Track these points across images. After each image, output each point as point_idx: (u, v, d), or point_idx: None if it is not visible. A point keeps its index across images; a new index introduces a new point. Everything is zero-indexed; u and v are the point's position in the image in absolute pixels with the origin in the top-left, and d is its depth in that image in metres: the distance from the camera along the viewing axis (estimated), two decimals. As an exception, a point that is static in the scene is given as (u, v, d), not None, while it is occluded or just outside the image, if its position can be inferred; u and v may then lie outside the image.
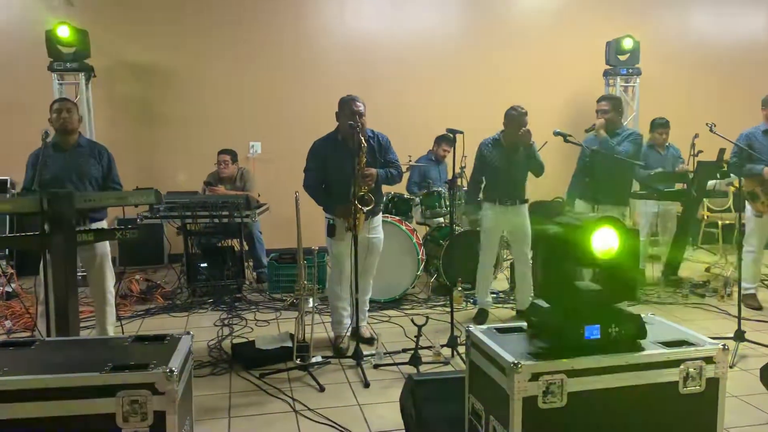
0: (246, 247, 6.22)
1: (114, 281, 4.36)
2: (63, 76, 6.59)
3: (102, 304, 4.27)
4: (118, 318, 4.50)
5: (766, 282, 5.92)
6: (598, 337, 2.26)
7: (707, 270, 6.62)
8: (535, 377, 2.15)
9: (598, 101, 5.19)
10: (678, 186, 6.01)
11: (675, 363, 2.27)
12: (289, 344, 4.10)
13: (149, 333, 2.55)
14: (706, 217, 7.75)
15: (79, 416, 2.03)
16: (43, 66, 6.41)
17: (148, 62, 7.30)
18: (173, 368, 2.10)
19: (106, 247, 4.23)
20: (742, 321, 4.17)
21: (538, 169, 4.80)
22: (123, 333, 4.31)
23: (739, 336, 4.10)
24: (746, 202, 5.18)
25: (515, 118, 4.69)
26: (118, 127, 7.13)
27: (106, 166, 4.23)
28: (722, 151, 5.41)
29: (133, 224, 5.33)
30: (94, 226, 4.08)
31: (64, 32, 6.28)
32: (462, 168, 5.75)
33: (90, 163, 4.16)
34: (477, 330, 2.51)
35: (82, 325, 3.93)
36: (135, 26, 7.18)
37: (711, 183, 5.93)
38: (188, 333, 2.48)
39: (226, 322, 5.02)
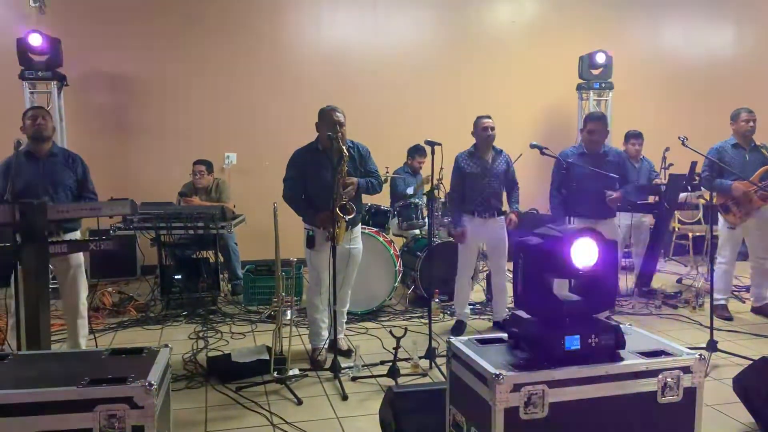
0: (221, 259, 6.16)
1: (87, 293, 4.27)
2: (35, 85, 6.48)
3: (74, 317, 4.19)
4: (91, 331, 4.40)
5: (736, 293, 6.02)
6: (579, 347, 2.28)
7: (679, 281, 6.73)
8: (516, 388, 2.16)
9: (593, 120, 4.83)
10: (651, 199, 6.13)
11: (653, 373, 2.30)
12: (266, 357, 4.06)
13: (124, 346, 2.50)
14: (677, 229, 7.89)
15: (55, 432, 1.98)
16: (14, 74, 6.30)
17: (121, 72, 7.22)
18: (152, 381, 2.06)
19: (80, 259, 4.15)
20: (714, 331, 4.25)
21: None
22: (96, 346, 4.22)
23: (712, 346, 4.18)
24: (719, 214, 5.28)
25: (483, 122, 4.80)
26: (91, 137, 7.01)
27: (81, 175, 4.17)
28: (694, 164, 5.51)
29: (107, 235, 5.24)
30: (68, 236, 4.01)
31: (36, 40, 6.19)
32: (439, 180, 5.77)
33: (64, 171, 4.09)
34: (458, 341, 2.52)
35: (52, 338, 3.82)
36: (108, 35, 7.10)
37: (682, 196, 6.05)
38: (166, 346, 2.44)
39: (201, 334, 4.95)
